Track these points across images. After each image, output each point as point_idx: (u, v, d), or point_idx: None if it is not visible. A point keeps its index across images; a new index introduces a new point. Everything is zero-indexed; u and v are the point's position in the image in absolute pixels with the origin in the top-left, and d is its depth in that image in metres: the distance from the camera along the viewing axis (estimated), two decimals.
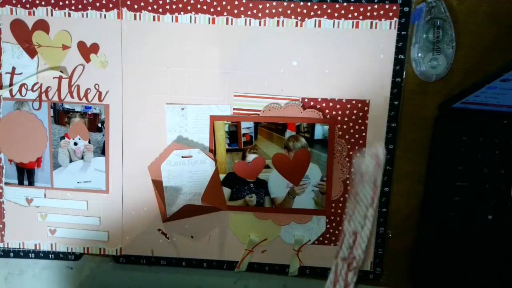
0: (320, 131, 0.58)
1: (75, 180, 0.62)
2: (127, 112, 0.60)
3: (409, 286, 0.61)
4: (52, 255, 0.64)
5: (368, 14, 0.56)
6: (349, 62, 0.57)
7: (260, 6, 0.57)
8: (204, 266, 0.63)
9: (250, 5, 0.57)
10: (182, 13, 0.58)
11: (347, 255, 0.49)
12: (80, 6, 0.58)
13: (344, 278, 0.49)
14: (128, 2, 0.58)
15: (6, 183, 0.63)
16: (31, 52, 0.60)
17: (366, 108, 0.58)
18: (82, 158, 0.62)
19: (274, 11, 0.57)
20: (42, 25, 0.59)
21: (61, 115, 0.61)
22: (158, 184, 0.60)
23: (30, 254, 0.65)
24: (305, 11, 0.57)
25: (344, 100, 0.58)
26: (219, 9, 0.57)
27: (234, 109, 0.59)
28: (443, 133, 0.57)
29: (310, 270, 0.62)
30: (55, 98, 0.61)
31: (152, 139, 0.60)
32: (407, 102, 0.58)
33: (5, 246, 0.65)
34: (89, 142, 0.61)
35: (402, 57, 0.57)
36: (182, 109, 0.60)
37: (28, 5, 0.59)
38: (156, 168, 0.60)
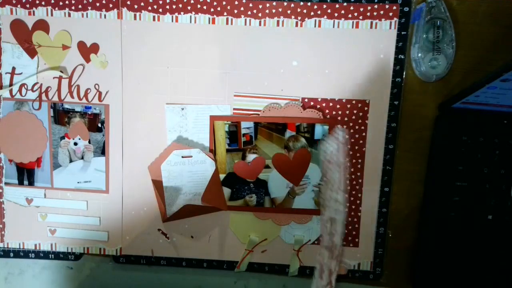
0: (320, 131, 0.58)
1: (75, 180, 0.62)
2: (127, 112, 0.60)
3: (409, 286, 0.61)
4: (52, 255, 0.64)
5: (368, 14, 0.56)
6: (349, 62, 0.57)
7: (260, 6, 0.57)
8: (204, 266, 0.63)
9: (250, 5, 0.57)
10: (182, 13, 0.58)
11: (329, 243, 0.49)
12: (80, 6, 0.58)
13: (329, 266, 0.49)
14: (128, 2, 0.58)
15: (6, 183, 0.63)
16: (31, 52, 0.60)
17: (366, 108, 0.58)
18: (82, 158, 0.62)
19: (274, 11, 0.57)
20: (42, 25, 0.59)
21: (61, 115, 0.61)
22: (158, 184, 0.60)
23: (30, 254, 0.65)
24: (305, 11, 0.57)
25: (344, 100, 0.58)
26: (219, 9, 0.57)
27: (234, 109, 0.59)
28: (443, 133, 0.57)
29: (310, 270, 0.62)
30: (55, 98, 0.61)
31: (152, 139, 0.60)
32: (407, 102, 0.58)
33: (5, 246, 0.65)
34: (89, 142, 0.61)
35: (402, 57, 0.57)
36: (182, 109, 0.60)
37: (28, 5, 0.59)
38: (156, 168, 0.60)
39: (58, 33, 0.59)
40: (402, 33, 0.56)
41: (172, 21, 0.58)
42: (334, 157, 0.50)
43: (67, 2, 0.59)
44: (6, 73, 0.61)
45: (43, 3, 0.59)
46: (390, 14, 0.56)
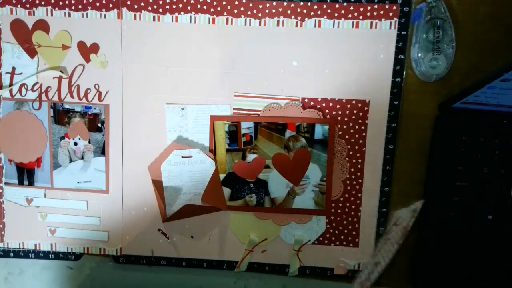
0: (320, 131, 0.58)
1: (75, 180, 0.62)
2: (127, 112, 0.60)
3: (409, 286, 0.61)
4: (52, 255, 0.64)
5: (368, 14, 0.56)
6: (349, 62, 0.57)
7: (260, 6, 0.57)
8: (204, 266, 0.63)
9: (250, 5, 0.57)
10: (182, 13, 0.58)
11: (364, 279, 0.52)
12: (80, 6, 0.58)
13: None
14: (128, 2, 0.58)
15: (6, 183, 0.63)
16: (31, 52, 0.60)
17: (366, 108, 0.58)
18: (82, 158, 0.62)
19: (274, 11, 0.57)
20: (42, 25, 0.59)
21: (61, 115, 0.61)
22: (158, 184, 0.60)
23: (30, 254, 0.65)
24: (305, 11, 0.57)
25: (344, 100, 0.58)
26: (219, 9, 0.57)
27: (234, 109, 0.59)
28: (443, 133, 0.57)
29: (310, 270, 0.62)
30: (55, 98, 0.61)
31: (152, 139, 0.60)
32: (407, 102, 0.58)
33: (5, 246, 0.65)
34: (89, 142, 0.61)
35: (402, 57, 0.57)
36: (182, 109, 0.60)
37: (28, 5, 0.59)
38: (156, 168, 0.60)
39: (58, 33, 0.59)
40: (402, 33, 0.56)
41: (172, 21, 0.58)
42: (404, 223, 0.54)
43: (67, 2, 0.59)
44: (6, 73, 0.61)
45: (43, 3, 0.59)
46: (390, 14, 0.56)
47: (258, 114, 0.59)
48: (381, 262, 0.54)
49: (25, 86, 0.61)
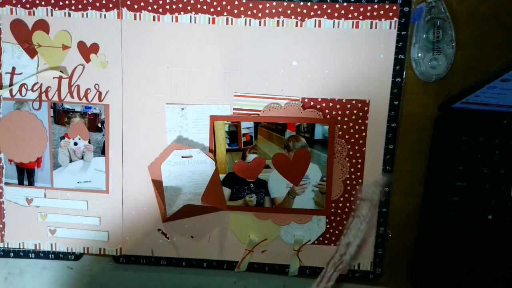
0: (320, 131, 0.58)
1: (75, 180, 0.62)
2: (127, 112, 0.60)
3: (409, 286, 0.61)
4: (52, 255, 0.64)
5: (368, 14, 0.56)
6: (349, 62, 0.57)
7: (260, 6, 0.57)
8: (204, 266, 0.63)
9: (250, 5, 0.57)
10: (182, 13, 0.58)
11: (338, 260, 0.53)
12: (80, 6, 0.59)
13: (328, 277, 0.53)
14: (128, 2, 0.58)
15: (6, 183, 0.63)
16: (31, 52, 0.60)
17: (366, 108, 0.58)
18: (82, 158, 0.62)
19: (274, 11, 0.57)
20: (42, 25, 0.59)
21: (61, 115, 0.61)
22: (158, 184, 0.60)
23: (30, 254, 0.65)
24: (305, 11, 0.57)
25: (344, 100, 0.58)
26: (219, 9, 0.57)
27: (234, 109, 0.59)
28: (443, 133, 0.57)
29: (310, 270, 0.62)
30: (55, 98, 0.61)
31: (152, 139, 0.60)
32: (407, 102, 0.58)
33: (5, 246, 0.65)
34: (89, 142, 0.61)
35: (402, 57, 0.57)
36: (182, 109, 0.60)
37: (28, 5, 0.59)
38: (156, 168, 0.60)
39: (58, 33, 0.59)
40: (402, 33, 0.56)
41: (172, 21, 0.58)
42: (369, 196, 0.55)
43: (67, 2, 0.59)
44: (6, 73, 0.61)
45: (43, 3, 0.59)
46: (390, 14, 0.56)
47: (258, 114, 0.59)
48: (352, 242, 0.54)
49: (25, 86, 0.61)
